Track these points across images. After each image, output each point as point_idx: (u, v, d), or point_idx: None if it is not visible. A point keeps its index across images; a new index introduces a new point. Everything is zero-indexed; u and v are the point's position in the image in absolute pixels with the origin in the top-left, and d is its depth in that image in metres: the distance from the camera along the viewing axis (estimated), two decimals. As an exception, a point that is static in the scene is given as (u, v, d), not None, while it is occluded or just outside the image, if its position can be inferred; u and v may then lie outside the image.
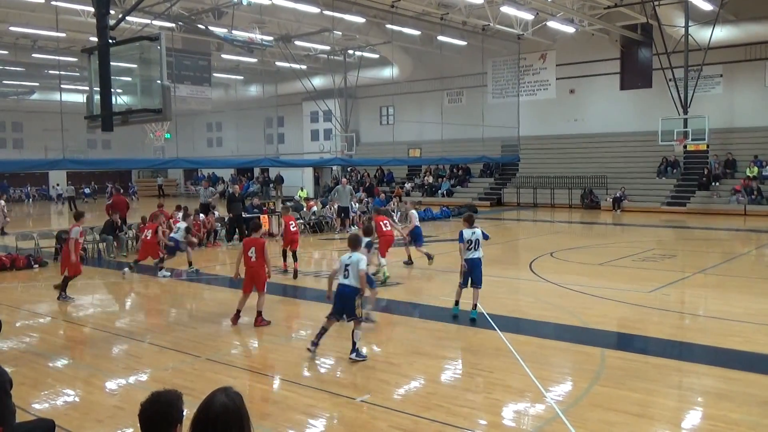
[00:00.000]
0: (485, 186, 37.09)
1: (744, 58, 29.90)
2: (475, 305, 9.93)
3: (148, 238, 14.68)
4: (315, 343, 8.16)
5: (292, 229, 14.23)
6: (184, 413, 3.05)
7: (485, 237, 10.16)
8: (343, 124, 41.44)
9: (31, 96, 40.89)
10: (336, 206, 23.62)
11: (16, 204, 43.90)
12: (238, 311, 9.94)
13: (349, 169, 42.11)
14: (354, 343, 7.95)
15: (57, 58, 30.18)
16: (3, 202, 24.65)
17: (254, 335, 9.60)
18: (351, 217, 23.44)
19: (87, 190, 46.87)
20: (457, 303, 10.17)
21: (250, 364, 8.15)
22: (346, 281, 7.95)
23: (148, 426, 3.01)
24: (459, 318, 9.96)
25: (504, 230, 24.95)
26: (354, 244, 8.28)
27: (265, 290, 9.97)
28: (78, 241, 11.91)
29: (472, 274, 9.83)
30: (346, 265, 7.97)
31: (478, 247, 9.91)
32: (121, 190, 45.67)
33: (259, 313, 9.86)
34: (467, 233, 9.90)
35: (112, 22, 9.10)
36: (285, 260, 14.95)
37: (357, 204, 25.51)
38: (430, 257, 14.70)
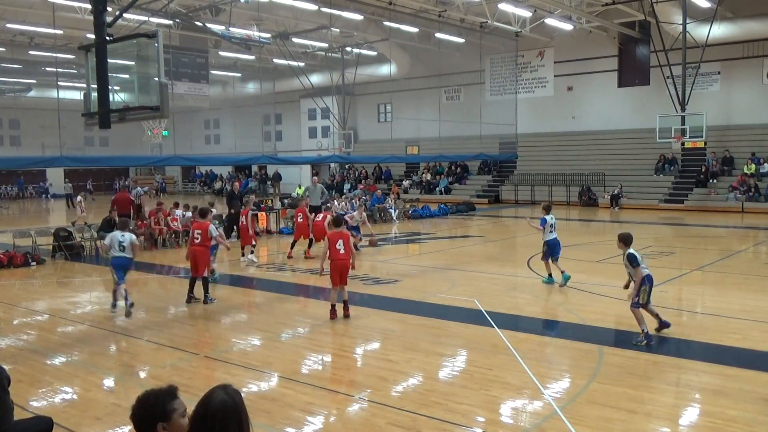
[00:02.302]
0: (483, 183, 37.09)
1: (742, 56, 29.92)
2: (550, 274, 12.27)
3: (300, 221, 16.30)
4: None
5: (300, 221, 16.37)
6: (176, 410, 3.04)
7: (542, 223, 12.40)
8: (340, 121, 41.43)
9: (28, 93, 40.78)
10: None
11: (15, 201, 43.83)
12: (333, 306, 10.04)
13: (347, 166, 42.13)
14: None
15: (54, 55, 30.15)
16: (81, 198, 24.96)
17: (252, 332, 9.60)
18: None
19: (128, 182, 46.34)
20: (550, 275, 12.27)
21: (248, 362, 8.14)
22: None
23: (134, 425, 3.08)
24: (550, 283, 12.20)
25: (502, 227, 24.97)
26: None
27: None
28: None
29: (554, 250, 12.18)
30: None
31: (554, 229, 12.35)
32: (126, 183, 45.49)
33: (345, 302, 10.06)
34: (549, 218, 12.29)
35: (109, 19, 9.07)
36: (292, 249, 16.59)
37: (356, 202, 25.42)
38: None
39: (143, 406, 3.06)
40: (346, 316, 10.02)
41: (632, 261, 8.41)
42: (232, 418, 2.85)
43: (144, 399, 3.08)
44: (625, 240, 8.62)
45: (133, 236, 10.96)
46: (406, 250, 18.51)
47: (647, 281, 8.42)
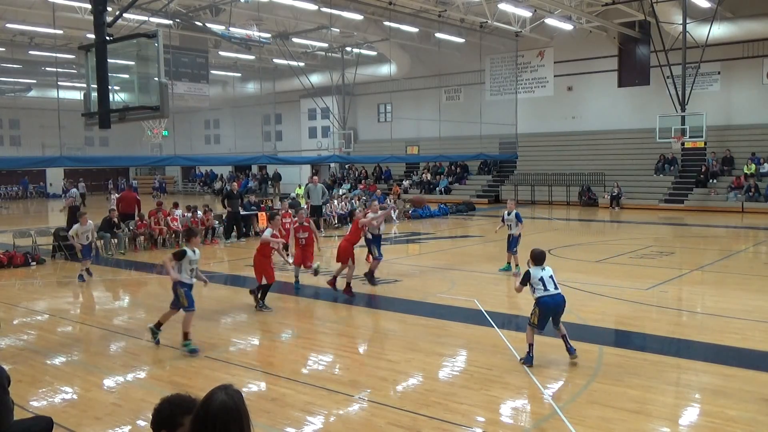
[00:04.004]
0: (483, 183, 37.08)
1: (741, 56, 29.92)
2: (517, 265, 13.30)
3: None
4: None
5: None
6: (183, 425, 3.06)
7: (519, 219, 13.82)
8: (340, 121, 41.42)
9: (28, 93, 40.76)
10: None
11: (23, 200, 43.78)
12: (335, 277, 11.89)
13: (347, 166, 42.13)
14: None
15: (54, 55, 30.15)
16: (117, 195, 25.02)
17: (252, 332, 9.61)
18: (324, 217, 22.99)
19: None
20: (509, 263, 13.81)
21: (248, 362, 8.15)
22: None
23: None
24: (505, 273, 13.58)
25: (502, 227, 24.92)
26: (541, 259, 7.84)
27: (350, 263, 11.61)
28: (270, 244, 10.71)
29: (514, 243, 13.63)
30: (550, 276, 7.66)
31: (513, 226, 13.70)
32: (132, 185, 45.44)
33: (348, 284, 11.50)
34: (506, 214, 13.93)
35: (109, 19, 9.07)
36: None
37: (356, 202, 25.44)
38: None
39: (158, 411, 3.20)
40: (346, 292, 11.51)
41: (523, 278, 7.80)
42: (232, 419, 2.84)
43: (162, 404, 3.21)
44: (534, 258, 7.82)
45: (87, 228, 14.01)
46: (406, 250, 18.51)
47: (539, 305, 7.60)
